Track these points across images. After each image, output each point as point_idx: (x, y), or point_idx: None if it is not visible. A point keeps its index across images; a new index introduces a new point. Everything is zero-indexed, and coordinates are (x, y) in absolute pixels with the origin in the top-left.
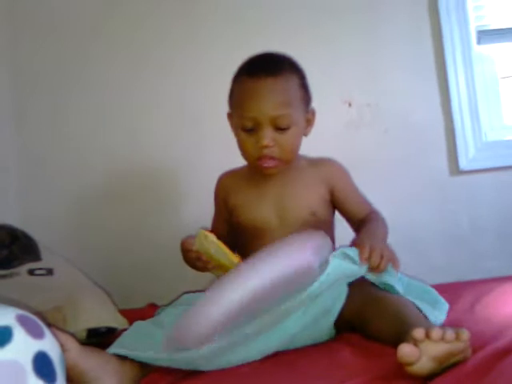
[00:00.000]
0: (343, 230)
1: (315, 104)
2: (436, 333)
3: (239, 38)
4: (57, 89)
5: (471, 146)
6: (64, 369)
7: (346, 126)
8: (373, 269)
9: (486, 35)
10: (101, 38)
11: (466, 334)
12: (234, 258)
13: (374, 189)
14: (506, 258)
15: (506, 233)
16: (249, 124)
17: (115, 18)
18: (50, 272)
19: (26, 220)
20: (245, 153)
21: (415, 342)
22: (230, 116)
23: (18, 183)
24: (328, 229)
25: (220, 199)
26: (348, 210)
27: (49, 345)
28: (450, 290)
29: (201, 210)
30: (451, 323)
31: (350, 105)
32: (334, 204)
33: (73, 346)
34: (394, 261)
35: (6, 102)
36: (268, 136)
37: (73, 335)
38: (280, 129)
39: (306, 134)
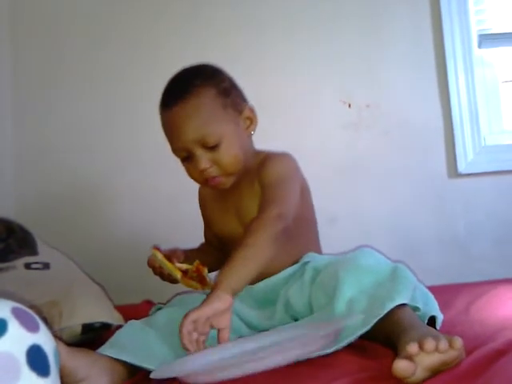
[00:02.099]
0: (341, 231)
1: (315, 105)
2: (429, 345)
3: (242, 38)
4: (54, 83)
5: (470, 150)
6: (58, 363)
7: (345, 127)
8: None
9: (487, 39)
10: (104, 29)
11: (459, 342)
12: (178, 273)
13: (372, 190)
14: (502, 261)
15: (502, 236)
16: (183, 154)
17: (116, 15)
18: (46, 266)
19: (21, 213)
20: (194, 179)
21: (410, 356)
22: None
23: (13, 175)
24: (299, 228)
25: (201, 208)
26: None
27: (43, 338)
28: (444, 292)
29: (196, 209)
30: (446, 325)
31: (349, 106)
32: None
33: (60, 346)
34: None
35: (5, 97)
36: (202, 159)
37: (58, 336)
38: (211, 147)
39: (250, 133)
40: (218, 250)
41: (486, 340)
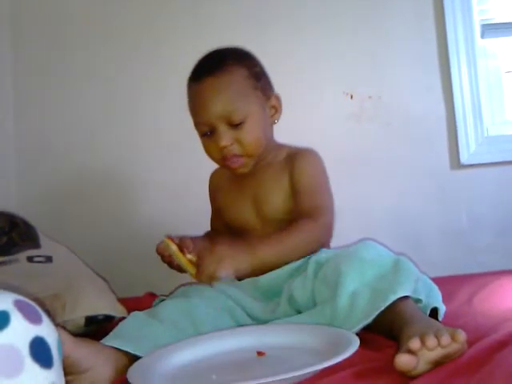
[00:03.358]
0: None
1: (317, 95)
2: (431, 341)
3: (246, 33)
4: (56, 76)
5: (472, 141)
6: (61, 354)
7: (347, 119)
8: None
9: (489, 29)
10: (104, 27)
11: (462, 336)
12: (191, 268)
13: (374, 181)
14: (504, 252)
15: (505, 228)
16: (204, 128)
17: (116, 13)
18: (49, 259)
19: (24, 206)
20: (211, 157)
21: (412, 352)
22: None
23: (16, 168)
24: None
25: (211, 197)
26: (296, 206)
27: (46, 330)
28: (447, 284)
29: (202, 199)
30: (448, 316)
31: (351, 97)
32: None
33: (65, 337)
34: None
35: (6, 89)
36: (224, 136)
37: (63, 327)
38: (235, 125)
39: (274, 122)
40: (224, 238)
41: (488, 331)
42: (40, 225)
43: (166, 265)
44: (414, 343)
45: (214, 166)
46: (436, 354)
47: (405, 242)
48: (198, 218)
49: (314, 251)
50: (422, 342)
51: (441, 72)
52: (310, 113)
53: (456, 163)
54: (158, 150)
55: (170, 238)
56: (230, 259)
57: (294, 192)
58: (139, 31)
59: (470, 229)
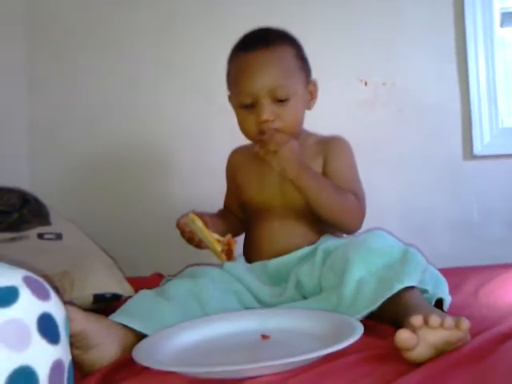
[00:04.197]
0: None
1: (331, 81)
2: (434, 320)
3: (256, 15)
4: (69, 57)
5: (487, 132)
6: (68, 331)
7: (360, 105)
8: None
9: (509, 18)
10: (117, 7)
11: (465, 324)
12: (217, 245)
13: (386, 169)
14: None
15: None
16: (247, 100)
17: None
18: (58, 237)
19: (35, 185)
20: (245, 131)
21: (413, 329)
22: (230, 97)
23: (28, 148)
24: None
25: (229, 175)
26: None
27: (54, 307)
28: (454, 275)
29: (210, 182)
30: (454, 307)
31: (365, 83)
32: None
33: (77, 314)
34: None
35: (20, 68)
36: (267, 109)
37: (74, 304)
38: (279, 100)
39: (309, 108)
40: (237, 219)
41: (493, 323)
42: (51, 205)
43: (174, 244)
44: (417, 319)
45: (225, 150)
46: (438, 336)
47: (414, 232)
48: (208, 198)
49: (342, 223)
50: (425, 320)
51: (457, 60)
52: (323, 98)
53: (469, 154)
54: (171, 134)
55: (196, 213)
56: (291, 152)
57: (328, 173)
58: (157, 17)
59: (481, 221)
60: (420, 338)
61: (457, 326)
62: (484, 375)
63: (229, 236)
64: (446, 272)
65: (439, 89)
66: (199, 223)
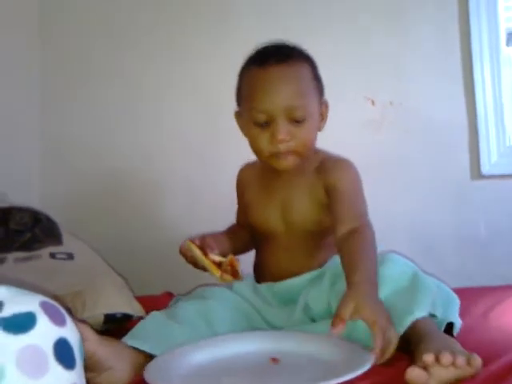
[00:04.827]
0: None
1: (338, 100)
2: (446, 359)
3: (262, 30)
4: (81, 76)
5: (494, 151)
6: (82, 356)
7: (367, 124)
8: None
9: None
10: (129, 27)
11: (477, 361)
12: (216, 271)
13: (393, 189)
14: None
15: None
16: (261, 117)
17: (146, 9)
18: (70, 256)
19: (47, 204)
20: (258, 150)
21: (425, 366)
22: (239, 114)
23: (40, 165)
24: (330, 235)
25: (239, 192)
26: (334, 213)
27: (70, 332)
28: (463, 296)
29: (220, 199)
30: (463, 330)
31: (372, 103)
32: (328, 205)
33: (91, 335)
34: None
35: (33, 83)
36: (284, 129)
37: (88, 323)
38: (296, 121)
39: (320, 129)
40: (248, 233)
41: (504, 348)
42: (61, 222)
43: (183, 264)
44: (428, 357)
45: (232, 167)
46: (449, 373)
47: (421, 251)
48: (215, 217)
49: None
50: (437, 358)
51: (464, 79)
52: (330, 117)
53: (477, 173)
54: (179, 151)
55: (192, 240)
56: (376, 316)
57: (332, 198)
58: (164, 31)
59: (488, 240)
60: (431, 375)
61: (469, 362)
62: None
63: (230, 257)
64: (455, 292)
65: (446, 108)
66: (196, 251)
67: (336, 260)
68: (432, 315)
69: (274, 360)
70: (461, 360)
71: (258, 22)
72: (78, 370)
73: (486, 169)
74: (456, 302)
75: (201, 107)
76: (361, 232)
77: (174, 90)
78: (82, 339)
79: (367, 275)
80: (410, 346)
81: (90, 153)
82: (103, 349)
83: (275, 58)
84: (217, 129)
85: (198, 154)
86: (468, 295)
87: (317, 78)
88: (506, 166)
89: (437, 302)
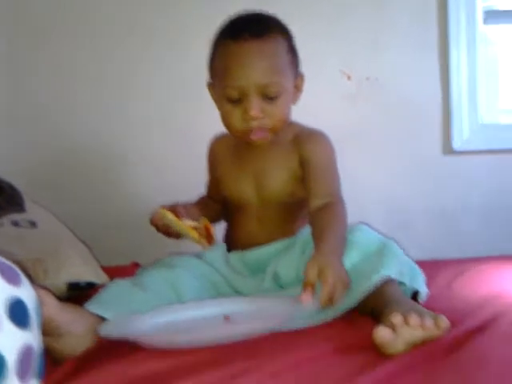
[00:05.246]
0: None
1: (315, 75)
2: (414, 320)
3: (245, 3)
4: (50, 46)
5: (466, 127)
6: (39, 318)
7: (343, 99)
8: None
9: (492, 16)
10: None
11: (444, 322)
12: (194, 233)
13: (365, 163)
14: (489, 239)
15: (491, 216)
16: (234, 94)
17: None
18: (33, 224)
19: (13, 175)
20: (230, 126)
21: (392, 326)
22: (212, 86)
23: (6, 138)
24: (301, 208)
25: (211, 165)
26: (308, 186)
27: (25, 292)
28: (429, 267)
29: (188, 170)
30: (428, 299)
31: (349, 78)
32: (302, 177)
33: (50, 300)
34: (344, 291)
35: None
36: (256, 106)
37: (50, 290)
38: (269, 98)
39: (294, 102)
40: (219, 205)
41: (464, 315)
42: (25, 191)
43: (152, 233)
44: (396, 317)
45: (201, 141)
46: (416, 334)
47: (393, 224)
48: (185, 190)
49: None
50: (405, 319)
51: (439, 56)
52: (307, 91)
53: (448, 149)
54: (148, 124)
55: (165, 207)
56: (337, 277)
57: (306, 171)
58: (136, 4)
59: (457, 214)
60: (398, 336)
61: (436, 323)
62: (455, 368)
63: (204, 220)
64: (421, 264)
65: (421, 84)
66: (170, 216)
67: (307, 230)
68: (399, 284)
69: (227, 318)
70: (428, 321)
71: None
72: (33, 331)
73: (457, 145)
74: (421, 274)
75: (171, 78)
76: (333, 207)
77: (144, 64)
78: (41, 304)
79: (333, 248)
80: (376, 309)
81: (52, 121)
82: (63, 314)
83: (250, 32)
84: (187, 100)
85: (165, 124)
86: (434, 267)
87: (292, 51)
88: (477, 142)
89: (404, 271)
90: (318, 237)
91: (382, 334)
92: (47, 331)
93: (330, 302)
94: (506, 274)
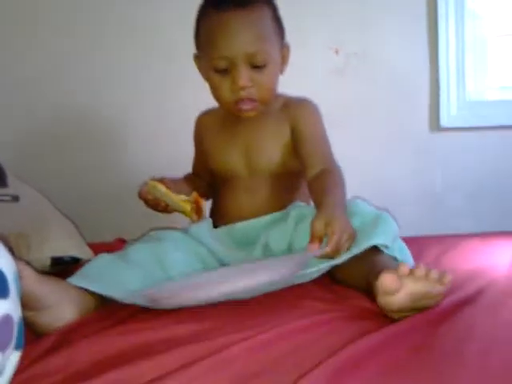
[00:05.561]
0: None
1: (302, 49)
2: (420, 270)
3: None
4: (26, 10)
5: (454, 104)
6: (19, 289)
7: (330, 74)
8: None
9: None
10: None
11: (448, 279)
12: (185, 204)
13: (353, 138)
14: (475, 216)
15: (478, 193)
16: (222, 64)
17: None
18: (15, 199)
19: None
20: (219, 97)
21: (398, 275)
22: (198, 58)
23: None
24: (299, 180)
25: (197, 140)
26: (303, 157)
27: (3, 261)
28: (416, 244)
29: (172, 146)
30: None
31: (336, 52)
32: (294, 148)
33: (28, 273)
34: (351, 241)
35: None
36: (245, 76)
37: (29, 263)
38: (257, 67)
39: (281, 72)
40: (205, 182)
41: (451, 290)
42: (10, 167)
43: (137, 209)
44: (404, 266)
45: (187, 113)
46: (419, 287)
47: (377, 200)
48: (173, 165)
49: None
50: (411, 270)
51: (428, 30)
52: (295, 65)
53: (436, 125)
54: (128, 97)
55: (156, 179)
56: (343, 228)
57: (299, 141)
58: None
59: (443, 191)
60: (402, 285)
61: (440, 279)
62: (440, 340)
63: (195, 194)
64: (408, 240)
65: (409, 60)
66: (161, 188)
67: (300, 204)
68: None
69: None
70: (434, 274)
71: None
72: (12, 301)
73: (444, 121)
74: (408, 252)
75: (160, 51)
76: (330, 172)
77: (135, 36)
78: (19, 276)
79: (337, 202)
80: (368, 278)
81: (38, 91)
82: (42, 287)
83: (234, 1)
84: (171, 74)
85: (149, 99)
86: (420, 243)
87: (277, 21)
88: (464, 119)
89: (395, 248)
90: (319, 197)
91: (387, 278)
92: (27, 305)
93: (338, 251)
94: (491, 250)
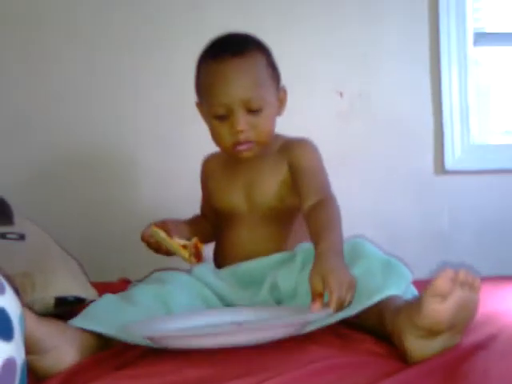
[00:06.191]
0: None
1: (307, 93)
2: (463, 274)
3: (231, 20)
4: (35, 46)
5: (458, 147)
6: (23, 329)
7: (335, 117)
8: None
9: (482, 38)
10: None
11: (477, 283)
12: (184, 251)
13: (357, 180)
14: (482, 258)
15: (484, 235)
16: (220, 111)
17: None
18: (21, 237)
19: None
20: (219, 141)
21: (451, 280)
22: (199, 105)
23: None
24: (299, 216)
25: (203, 182)
26: (300, 188)
27: (8, 302)
28: (424, 286)
29: (180, 186)
30: None
31: (341, 95)
32: (292, 183)
33: (27, 315)
34: (352, 290)
35: None
36: (242, 120)
37: (27, 305)
38: (253, 111)
39: (279, 114)
40: (210, 225)
41: (467, 332)
42: (14, 206)
43: (142, 249)
44: (449, 271)
45: (196, 154)
46: (463, 294)
47: (383, 242)
48: (177, 205)
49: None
50: (454, 277)
51: (431, 75)
52: (300, 110)
53: (440, 168)
54: (139, 136)
55: (156, 224)
56: (341, 280)
57: (296, 174)
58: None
59: (449, 234)
60: (452, 291)
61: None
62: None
63: (195, 239)
64: (415, 283)
65: (413, 103)
66: (161, 234)
67: (306, 245)
68: None
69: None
70: (471, 277)
71: (224, 11)
72: (17, 343)
73: (449, 164)
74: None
75: (166, 93)
76: (325, 203)
77: (147, 75)
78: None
79: (332, 244)
80: (384, 322)
81: (37, 138)
82: (43, 328)
83: (229, 50)
84: (183, 116)
85: (160, 139)
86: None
87: (272, 66)
88: (468, 162)
89: (407, 291)
90: (314, 235)
91: (443, 281)
92: (29, 348)
93: (341, 306)
94: (504, 294)
